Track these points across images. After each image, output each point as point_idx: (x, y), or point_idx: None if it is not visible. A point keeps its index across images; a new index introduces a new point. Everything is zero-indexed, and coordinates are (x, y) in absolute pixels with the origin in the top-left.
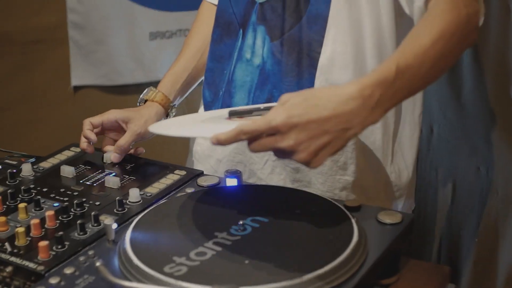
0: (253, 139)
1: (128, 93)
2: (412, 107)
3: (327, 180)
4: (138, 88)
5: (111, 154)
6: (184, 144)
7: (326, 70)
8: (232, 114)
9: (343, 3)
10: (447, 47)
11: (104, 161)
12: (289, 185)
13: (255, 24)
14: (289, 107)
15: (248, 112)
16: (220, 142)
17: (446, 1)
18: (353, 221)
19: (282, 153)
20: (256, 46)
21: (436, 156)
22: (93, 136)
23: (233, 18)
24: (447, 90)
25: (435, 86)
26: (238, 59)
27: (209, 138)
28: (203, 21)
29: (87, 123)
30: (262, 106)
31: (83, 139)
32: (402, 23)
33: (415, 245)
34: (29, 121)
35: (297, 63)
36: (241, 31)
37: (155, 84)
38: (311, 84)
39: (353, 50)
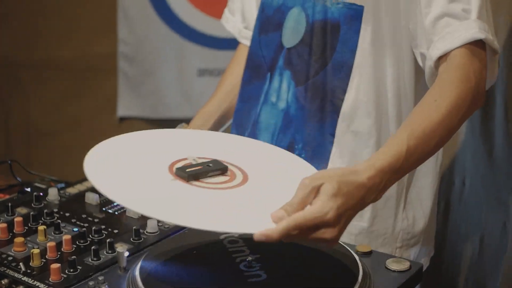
0: (302, 232)
1: (173, 126)
2: (435, 158)
3: None
4: (183, 122)
5: None
6: None
7: (348, 117)
8: (190, 178)
9: (368, 53)
10: (455, 121)
11: None
12: None
13: (282, 68)
14: (332, 198)
15: (204, 174)
16: (273, 239)
17: (457, 69)
18: (360, 266)
19: (322, 242)
20: (282, 90)
21: (466, 208)
22: None
23: (262, 61)
24: (480, 144)
25: (470, 138)
26: (264, 101)
27: (251, 233)
28: (238, 62)
29: None
30: (207, 162)
31: None
32: (422, 75)
33: None
34: (73, 147)
35: (320, 109)
36: (269, 74)
37: None
38: (333, 129)
39: (375, 98)
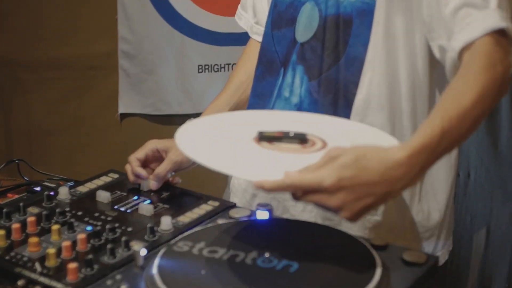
0: (299, 192)
1: (173, 123)
2: None
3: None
4: (184, 119)
5: (149, 182)
6: (222, 174)
7: (361, 112)
8: (262, 138)
9: (381, 47)
10: (486, 106)
11: (141, 188)
12: (319, 222)
13: (295, 63)
14: (340, 168)
15: (278, 139)
16: (264, 188)
17: (482, 57)
18: (377, 259)
19: (325, 208)
20: (295, 85)
21: (471, 201)
22: (143, 173)
23: (275, 57)
24: (485, 138)
25: (474, 133)
26: (277, 97)
27: (251, 180)
28: (248, 57)
29: (134, 159)
30: (292, 132)
31: (131, 175)
32: (437, 68)
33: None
34: (75, 146)
35: (333, 103)
36: (282, 69)
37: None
38: None
39: (388, 92)
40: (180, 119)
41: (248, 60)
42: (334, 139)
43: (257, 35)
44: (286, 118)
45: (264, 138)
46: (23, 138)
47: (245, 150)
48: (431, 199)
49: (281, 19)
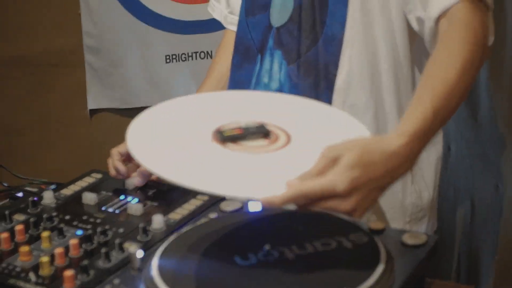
0: (308, 200)
1: None
2: None
3: None
4: None
5: (134, 178)
6: None
7: (343, 92)
8: (225, 139)
9: (358, 24)
10: (470, 76)
11: (126, 187)
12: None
13: (272, 48)
14: (348, 169)
15: (242, 137)
16: (275, 205)
17: (462, 26)
18: (378, 244)
19: (337, 212)
20: (273, 70)
21: (453, 174)
22: (122, 168)
23: (251, 44)
24: (464, 110)
25: None
26: (256, 84)
27: (254, 199)
28: (226, 49)
29: (116, 153)
30: (251, 126)
31: (112, 169)
32: (416, 42)
33: (434, 264)
34: (45, 145)
35: (313, 86)
36: (259, 56)
37: None
38: None
39: (369, 71)
40: None
41: (225, 52)
42: (294, 126)
43: (232, 25)
44: (230, 100)
45: (227, 139)
46: None
47: (217, 158)
48: (420, 178)
49: (254, 5)
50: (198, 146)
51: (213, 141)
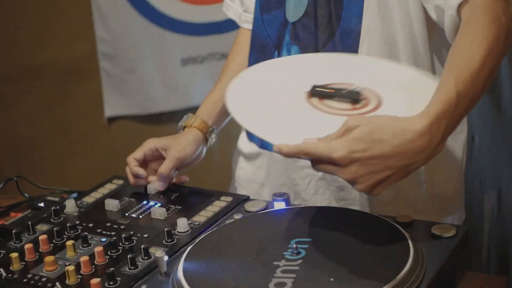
0: (313, 160)
1: (162, 121)
2: None
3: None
4: (172, 115)
5: (155, 183)
6: (225, 167)
7: None
8: (314, 94)
9: (374, 17)
10: (495, 62)
11: (148, 192)
12: (334, 204)
13: (289, 44)
14: (352, 141)
15: (330, 95)
16: (282, 153)
17: (485, 11)
18: (407, 237)
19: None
20: None
21: (478, 166)
22: (142, 171)
23: (267, 41)
24: (487, 100)
25: None
26: None
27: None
28: (241, 46)
29: (132, 160)
30: (345, 89)
31: (131, 177)
32: (435, 33)
33: (465, 256)
34: (65, 155)
35: None
36: (276, 52)
37: (188, 110)
38: None
39: None
40: (168, 116)
41: (240, 50)
42: (390, 94)
43: (246, 23)
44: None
45: (316, 94)
46: (10, 153)
47: (292, 110)
48: (445, 169)
49: (269, 1)
50: (288, 98)
51: (304, 96)
